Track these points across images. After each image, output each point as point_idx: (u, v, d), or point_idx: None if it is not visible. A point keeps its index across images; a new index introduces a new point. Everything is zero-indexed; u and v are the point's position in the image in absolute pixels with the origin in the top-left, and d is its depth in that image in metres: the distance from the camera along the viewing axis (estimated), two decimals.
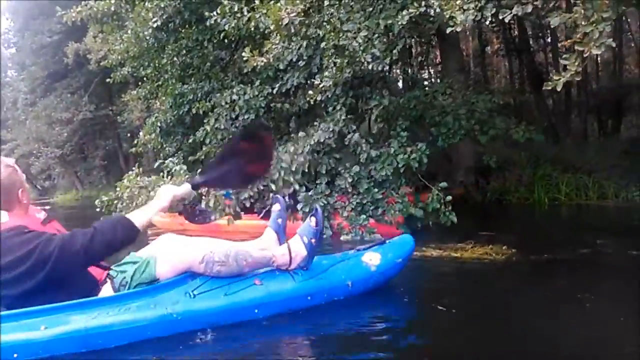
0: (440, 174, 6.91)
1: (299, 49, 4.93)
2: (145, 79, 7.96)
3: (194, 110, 6.08)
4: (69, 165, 22.38)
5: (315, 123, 4.79)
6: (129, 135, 19.03)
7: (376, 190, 4.45)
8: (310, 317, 2.23)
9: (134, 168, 6.03)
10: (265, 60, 4.47)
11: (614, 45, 2.43)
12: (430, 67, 15.10)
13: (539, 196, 7.11)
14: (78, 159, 22.66)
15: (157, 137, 7.23)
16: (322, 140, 4.49)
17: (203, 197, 4.57)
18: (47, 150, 20.14)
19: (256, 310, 2.16)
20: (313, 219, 2.38)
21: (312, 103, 4.83)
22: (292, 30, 4.35)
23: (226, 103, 5.58)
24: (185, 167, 5.66)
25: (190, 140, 6.31)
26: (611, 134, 11.87)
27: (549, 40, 12.72)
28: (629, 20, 12.64)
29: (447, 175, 6.91)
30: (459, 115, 5.06)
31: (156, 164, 6.13)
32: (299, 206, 4.47)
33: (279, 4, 4.27)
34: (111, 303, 1.97)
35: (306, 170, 4.51)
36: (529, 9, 2.72)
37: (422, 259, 3.40)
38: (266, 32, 4.88)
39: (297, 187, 4.44)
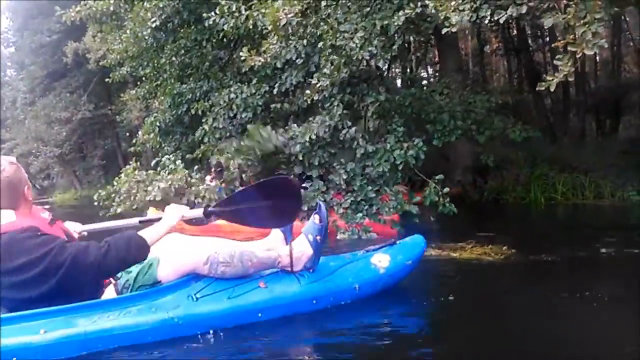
0: (438, 173, 6.92)
1: (296, 47, 4.95)
2: (144, 78, 8.00)
3: (192, 110, 6.10)
4: (67, 164, 22.37)
5: (310, 119, 4.81)
6: (127, 134, 19.02)
7: (370, 188, 4.43)
8: (314, 321, 2.18)
9: (131, 162, 6.04)
10: (262, 60, 4.49)
11: (606, 46, 2.46)
12: (428, 66, 15.12)
13: (535, 196, 7.14)
14: (77, 159, 22.65)
15: (156, 136, 7.26)
16: (319, 134, 4.49)
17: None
18: (46, 150, 20.13)
19: (260, 314, 2.11)
20: (317, 216, 2.34)
21: (310, 102, 4.85)
22: (290, 31, 4.38)
23: (224, 102, 5.60)
24: (182, 163, 5.66)
25: (189, 140, 6.34)
26: (609, 133, 11.89)
27: (547, 39, 12.73)
28: (627, 19, 12.65)
29: (445, 175, 6.92)
30: (455, 113, 5.07)
31: (153, 162, 6.15)
32: None
33: (276, 4, 4.29)
34: (112, 306, 1.93)
35: (300, 159, 4.50)
36: (524, 9, 2.75)
37: (421, 259, 3.41)
38: (264, 32, 4.90)
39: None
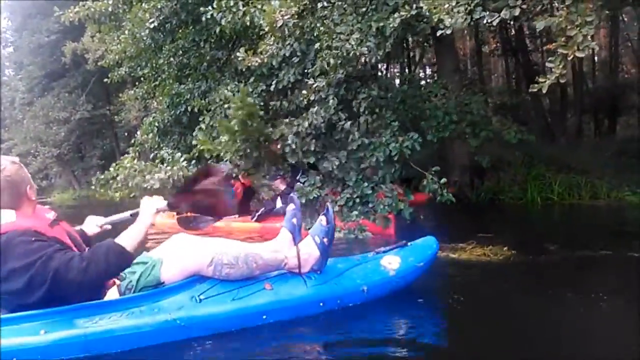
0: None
1: (292, 45, 4.94)
2: (142, 78, 8.02)
3: (190, 108, 6.11)
4: (66, 164, 22.31)
5: (304, 115, 4.82)
6: (126, 134, 19.03)
7: (365, 184, 4.41)
8: (321, 324, 2.16)
9: (129, 150, 6.02)
10: (259, 61, 4.51)
11: (597, 48, 2.48)
12: (426, 67, 15.13)
13: (532, 196, 7.18)
14: (75, 159, 22.58)
15: (155, 136, 7.26)
16: (314, 123, 4.47)
17: None
18: (45, 150, 20.06)
19: (264, 317, 2.08)
20: (323, 217, 2.33)
21: (307, 102, 4.86)
22: (286, 32, 4.39)
23: (220, 100, 5.60)
24: (182, 155, 5.65)
25: (187, 140, 6.35)
26: (607, 133, 11.94)
27: (544, 40, 12.77)
28: (625, 20, 12.69)
29: (442, 174, 6.94)
30: (450, 110, 5.07)
31: (152, 155, 6.14)
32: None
33: (273, 4, 4.30)
34: (113, 307, 1.92)
35: (294, 148, 4.50)
36: (517, 12, 2.77)
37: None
38: (260, 33, 4.92)
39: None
